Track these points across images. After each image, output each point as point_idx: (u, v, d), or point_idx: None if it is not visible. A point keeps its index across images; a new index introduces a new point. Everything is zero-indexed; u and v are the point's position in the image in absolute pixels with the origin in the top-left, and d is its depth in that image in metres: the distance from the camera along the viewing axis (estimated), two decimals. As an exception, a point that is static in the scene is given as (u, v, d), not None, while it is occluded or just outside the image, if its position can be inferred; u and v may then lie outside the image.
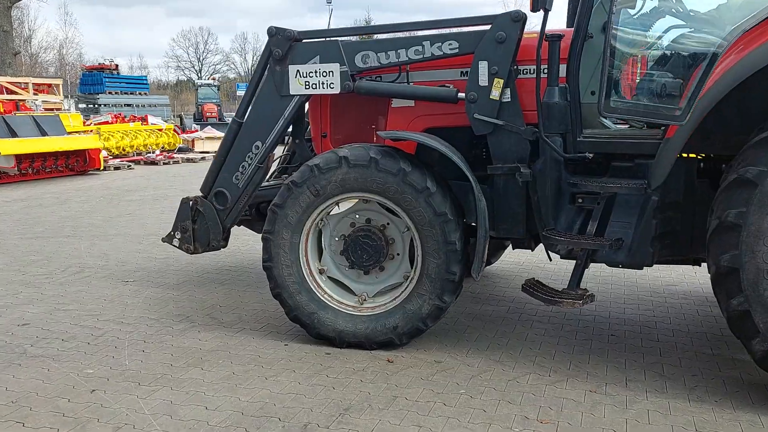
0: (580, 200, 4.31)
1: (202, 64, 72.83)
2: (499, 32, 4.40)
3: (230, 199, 5.28)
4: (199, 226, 5.42)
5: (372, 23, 56.31)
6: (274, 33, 4.99)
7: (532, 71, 4.56)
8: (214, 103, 32.40)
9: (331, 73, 4.87)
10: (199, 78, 64.97)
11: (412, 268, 4.55)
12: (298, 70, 4.94)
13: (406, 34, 5.07)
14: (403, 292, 4.52)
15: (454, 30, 4.71)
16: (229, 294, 5.93)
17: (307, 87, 4.94)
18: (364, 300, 4.63)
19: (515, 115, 4.49)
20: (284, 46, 4.96)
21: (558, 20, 4.61)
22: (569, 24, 5.26)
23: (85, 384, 4.00)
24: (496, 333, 4.88)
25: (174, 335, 4.85)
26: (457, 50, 4.60)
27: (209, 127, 24.92)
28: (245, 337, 4.81)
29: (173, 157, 20.16)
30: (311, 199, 4.49)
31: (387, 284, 4.67)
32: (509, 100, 4.50)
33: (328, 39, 4.99)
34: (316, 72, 4.90)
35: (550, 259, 5.00)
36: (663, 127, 4.00)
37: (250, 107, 5.26)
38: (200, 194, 5.45)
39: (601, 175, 4.32)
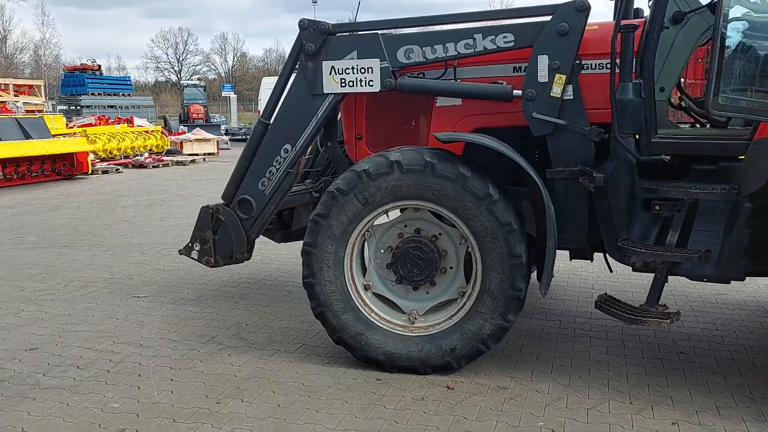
0: (657, 207, 3.91)
1: (181, 65, 71.80)
2: (562, 23, 4.01)
3: (256, 208, 4.84)
4: (220, 236, 4.97)
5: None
6: (306, 26, 4.55)
7: (595, 66, 4.19)
8: (201, 104, 31.71)
9: (370, 69, 4.45)
10: (180, 79, 64.09)
11: (468, 282, 4.15)
12: (332, 67, 4.51)
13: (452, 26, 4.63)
14: (459, 310, 4.10)
15: (508, 22, 4.31)
16: (253, 310, 5.47)
17: (343, 85, 4.52)
18: (415, 318, 4.21)
19: (578, 114, 4.11)
20: (317, 41, 4.53)
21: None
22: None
23: (113, 422, 3.53)
24: (556, 352, 4.48)
25: (202, 360, 4.38)
26: (512, 44, 4.20)
27: (198, 128, 24.29)
28: (282, 360, 4.36)
29: (162, 160, 19.56)
30: (358, 208, 4.06)
31: (439, 301, 4.25)
32: (571, 97, 4.11)
33: (366, 32, 4.56)
34: (353, 68, 4.48)
35: (611, 270, 4.62)
36: (752, 126, 3.63)
37: (278, 107, 4.82)
38: (221, 202, 5.00)
39: (677, 180, 3.94)
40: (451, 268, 4.21)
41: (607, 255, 4.50)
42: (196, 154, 21.32)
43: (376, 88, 4.44)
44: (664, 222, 3.93)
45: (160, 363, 4.34)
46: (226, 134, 27.57)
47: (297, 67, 4.77)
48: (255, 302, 5.68)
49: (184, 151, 21.69)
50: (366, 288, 4.28)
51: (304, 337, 4.78)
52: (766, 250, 3.68)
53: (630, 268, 4.05)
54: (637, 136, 3.98)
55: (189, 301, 5.73)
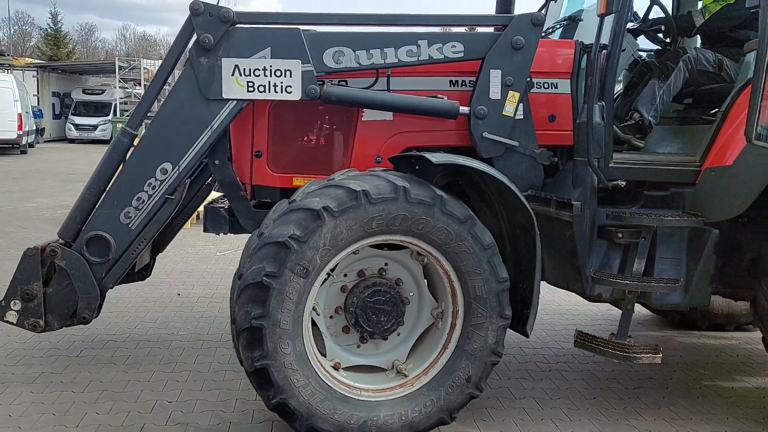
0: (620, 235, 3.79)
1: None
2: (517, 37, 3.75)
3: (115, 248, 3.68)
4: (56, 289, 3.66)
5: None
6: (202, 11, 3.60)
7: (546, 85, 3.96)
8: None
9: (288, 72, 3.63)
10: None
11: (437, 300, 3.61)
12: (236, 66, 3.61)
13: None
14: (449, 334, 3.51)
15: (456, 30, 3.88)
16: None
17: (251, 90, 3.65)
18: (405, 369, 3.53)
19: (528, 136, 3.91)
20: (217, 31, 3.60)
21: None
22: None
23: None
24: (551, 393, 4.10)
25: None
26: (462, 54, 3.80)
27: None
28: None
29: None
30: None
31: (416, 336, 3.64)
32: (522, 117, 3.85)
33: (284, 26, 3.72)
34: (265, 70, 3.61)
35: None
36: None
37: (155, 115, 3.71)
38: (56, 240, 3.71)
39: (627, 205, 3.90)
40: (412, 294, 3.59)
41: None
42: None
43: (296, 95, 3.66)
44: (624, 251, 3.85)
45: None
46: None
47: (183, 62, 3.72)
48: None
49: None
50: (336, 368, 3.47)
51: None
52: (731, 274, 3.80)
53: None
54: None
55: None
